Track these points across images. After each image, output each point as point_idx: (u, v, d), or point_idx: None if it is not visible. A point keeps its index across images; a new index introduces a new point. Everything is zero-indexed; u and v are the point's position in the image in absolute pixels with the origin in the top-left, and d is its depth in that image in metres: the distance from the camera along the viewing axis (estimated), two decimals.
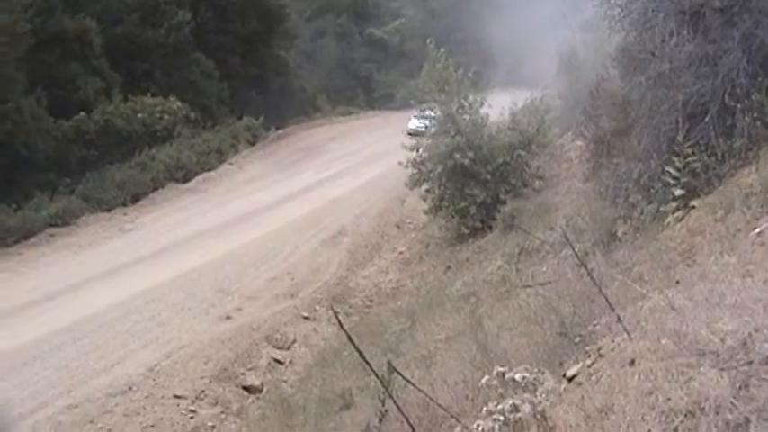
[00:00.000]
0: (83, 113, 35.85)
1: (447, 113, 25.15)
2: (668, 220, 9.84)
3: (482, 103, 25.66)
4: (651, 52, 10.90)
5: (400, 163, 26.72)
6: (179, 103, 40.53)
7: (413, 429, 5.93)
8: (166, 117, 39.42)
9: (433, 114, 38.95)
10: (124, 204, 33.00)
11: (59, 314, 21.36)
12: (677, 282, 6.87)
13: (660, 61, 10.58)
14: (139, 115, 38.26)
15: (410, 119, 44.97)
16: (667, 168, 10.02)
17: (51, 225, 29.35)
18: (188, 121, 40.71)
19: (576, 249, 10.78)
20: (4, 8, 31.52)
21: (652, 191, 10.71)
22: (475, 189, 24.74)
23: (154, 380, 18.44)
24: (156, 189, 35.14)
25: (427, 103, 26.02)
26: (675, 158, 9.86)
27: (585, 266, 8.22)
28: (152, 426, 16.85)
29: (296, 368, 20.44)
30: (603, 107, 14.45)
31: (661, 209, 10.27)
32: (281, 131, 48.05)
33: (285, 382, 19.55)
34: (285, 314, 23.06)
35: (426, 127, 41.55)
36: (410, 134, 38.08)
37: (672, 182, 9.95)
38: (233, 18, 48.66)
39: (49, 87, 34.08)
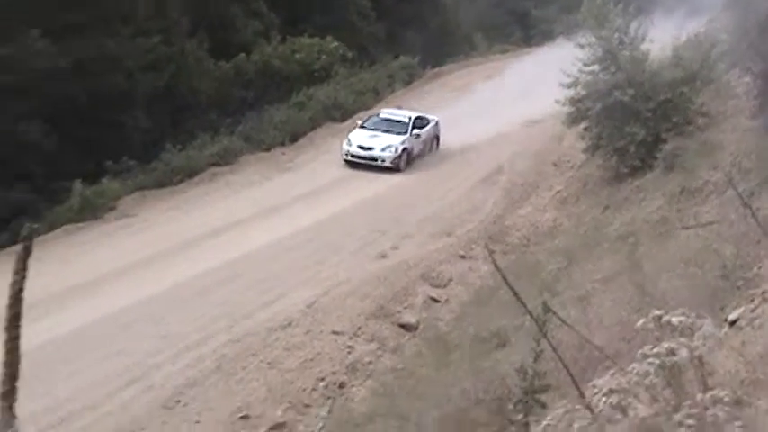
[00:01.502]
0: (242, 55, 36.60)
1: (607, 49, 24.45)
2: None
3: (643, 39, 24.85)
4: None
5: (557, 101, 26.22)
6: (336, 43, 40.81)
7: (567, 370, 5.89)
8: (323, 57, 39.75)
9: (406, 115, 33.47)
10: (283, 144, 33.44)
11: (221, 251, 22.11)
12: None
13: None
14: (297, 56, 38.76)
15: (353, 130, 33.00)
16: None
17: (213, 164, 30.18)
18: (345, 60, 40.96)
19: (741, 189, 10.42)
20: None
21: None
22: (635, 127, 24.06)
23: (312, 316, 18.93)
24: (313, 128, 35.39)
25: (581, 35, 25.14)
26: None
27: (750, 207, 7.94)
28: (311, 360, 17.34)
29: (451, 306, 20.56)
30: None
31: None
32: (436, 70, 47.74)
33: (441, 320, 19.70)
34: (441, 252, 23.16)
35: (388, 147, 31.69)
36: (348, 162, 31.03)
37: None
38: None
39: (209, 30, 34.90)
